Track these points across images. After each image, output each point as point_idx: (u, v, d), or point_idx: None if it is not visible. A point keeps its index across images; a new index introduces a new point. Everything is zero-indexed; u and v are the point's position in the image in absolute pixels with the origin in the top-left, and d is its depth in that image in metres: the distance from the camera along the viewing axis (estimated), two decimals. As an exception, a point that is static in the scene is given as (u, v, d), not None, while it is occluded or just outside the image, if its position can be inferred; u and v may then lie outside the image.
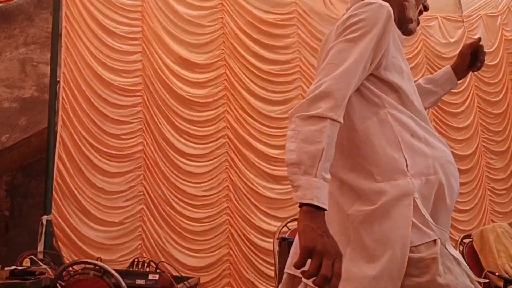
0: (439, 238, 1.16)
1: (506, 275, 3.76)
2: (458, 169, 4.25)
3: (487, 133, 5.11)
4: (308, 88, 4.44)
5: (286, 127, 4.45)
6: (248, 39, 4.42)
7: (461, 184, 4.83)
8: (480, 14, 5.26)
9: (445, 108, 4.93)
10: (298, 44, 4.53)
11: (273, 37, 4.49)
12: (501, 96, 5.23)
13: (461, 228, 4.73)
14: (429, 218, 1.18)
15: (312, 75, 4.53)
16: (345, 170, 1.25)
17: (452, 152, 5.04)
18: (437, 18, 5.04)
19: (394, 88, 1.29)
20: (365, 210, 1.19)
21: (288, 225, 4.06)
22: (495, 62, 5.23)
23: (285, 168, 4.29)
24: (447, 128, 4.90)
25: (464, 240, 4.48)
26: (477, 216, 4.90)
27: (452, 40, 5.07)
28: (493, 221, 4.90)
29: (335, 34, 1.26)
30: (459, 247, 4.41)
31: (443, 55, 5.01)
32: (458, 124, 4.96)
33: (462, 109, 5.01)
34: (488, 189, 5.03)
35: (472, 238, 4.36)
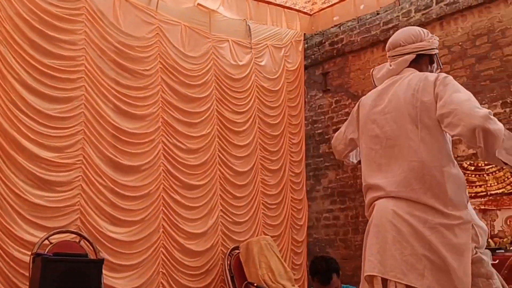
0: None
1: (264, 285, 4.13)
2: (236, 184, 4.75)
3: (264, 152, 5.59)
4: (92, 88, 4.20)
5: (66, 128, 4.03)
6: (27, 27, 3.91)
7: (238, 198, 5.21)
8: (267, 44, 5.77)
9: (229, 126, 5.23)
10: (85, 42, 4.23)
11: (57, 30, 4.09)
12: (279, 119, 5.81)
13: (236, 239, 5.03)
14: (481, 241, 1.83)
15: (98, 76, 4.29)
16: (426, 196, 1.79)
17: (232, 168, 5.34)
18: (228, 41, 5.34)
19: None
20: (444, 222, 1.76)
21: (51, 238, 3.70)
22: (277, 88, 5.79)
23: (61, 173, 3.84)
24: (228, 145, 5.19)
25: (233, 252, 4.78)
26: (250, 228, 5.28)
27: (240, 63, 5.43)
28: (264, 233, 5.36)
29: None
30: (227, 258, 4.69)
31: (232, 76, 5.31)
32: (239, 142, 5.31)
33: (244, 128, 5.39)
34: (262, 203, 5.49)
35: (239, 250, 4.68)
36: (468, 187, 4.39)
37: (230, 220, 5.10)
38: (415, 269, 1.71)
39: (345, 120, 6.07)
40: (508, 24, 4.64)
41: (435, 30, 5.21)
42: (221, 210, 5.03)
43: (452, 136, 1.88)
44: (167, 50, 4.77)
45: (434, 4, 5.21)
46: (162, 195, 4.59)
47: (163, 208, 4.58)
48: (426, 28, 5.24)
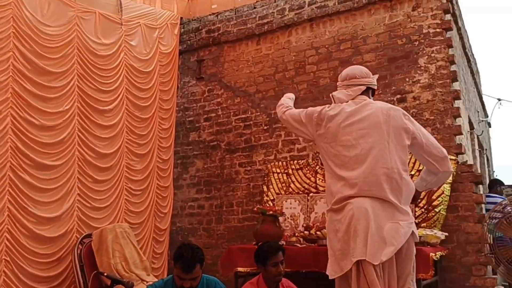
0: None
1: (116, 275, 3.92)
2: (97, 166, 4.73)
3: (131, 135, 5.33)
4: None
5: None
6: None
7: (99, 181, 4.89)
8: (139, 22, 5.49)
9: (92, 104, 4.87)
10: None
11: None
12: (149, 102, 5.58)
13: (94, 225, 4.72)
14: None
15: None
16: (390, 194, 2.48)
17: (94, 150, 4.96)
18: (95, 13, 4.94)
19: None
20: (404, 218, 2.51)
21: None
22: (148, 70, 5.55)
23: None
24: (90, 124, 4.83)
25: (84, 240, 4.48)
26: (111, 214, 5.01)
27: (108, 40, 5.07)
28: (126, 220, 5.13)
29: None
30: (78, 246, 4.38)
31: (96, 52, 4.91)
32: (103, 122, 4.98)
33: (110, 107, 5.07)
34: (125, 188, 5.24)
35: (92, 238, 4.39)
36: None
37: (89, 205, 4.77)
38: (392, 244, 2.41)
39: (217, 109, 6.09)
40: (370, 33, 5.03)
41: (305, 30, 5.45)
42: (78, 194, 4.68)
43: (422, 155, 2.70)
44: (22, 14, 4.25)
45: (306, 5, 5.44)
46: (9, 174, 4.11)
47: (9, 189, 4.11)
48: (297, 28, 5.50)
